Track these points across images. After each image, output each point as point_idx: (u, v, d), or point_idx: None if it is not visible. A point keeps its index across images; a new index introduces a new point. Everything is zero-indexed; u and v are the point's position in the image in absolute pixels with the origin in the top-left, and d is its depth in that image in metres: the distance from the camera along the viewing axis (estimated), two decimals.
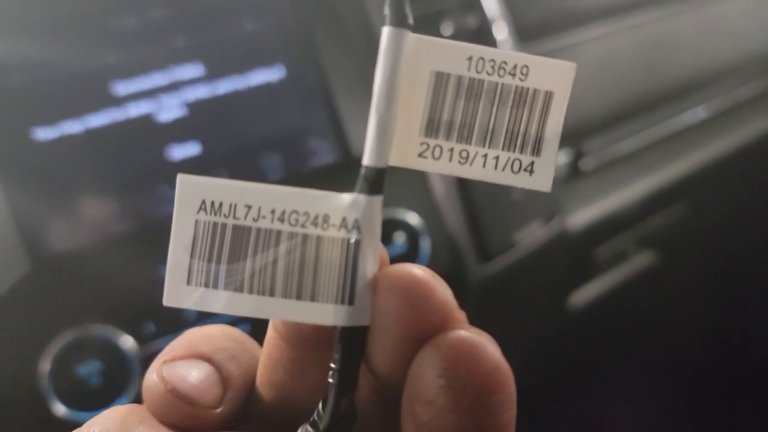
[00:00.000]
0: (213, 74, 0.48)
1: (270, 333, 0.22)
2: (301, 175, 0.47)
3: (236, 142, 0.49)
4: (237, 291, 0.19)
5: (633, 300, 0.72)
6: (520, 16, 0.58)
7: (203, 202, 0.19)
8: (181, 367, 0.22)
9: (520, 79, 0.19)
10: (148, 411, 0.22)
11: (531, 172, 0.20)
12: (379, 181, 0.19)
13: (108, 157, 0.45)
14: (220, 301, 0.19)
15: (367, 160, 0.19)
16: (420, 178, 0.50)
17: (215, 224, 0.19)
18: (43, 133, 0.43)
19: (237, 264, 0.19)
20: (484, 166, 0.20)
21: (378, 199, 0.19)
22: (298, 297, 0.19)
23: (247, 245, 0.19)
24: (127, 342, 0.41)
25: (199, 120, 0.48)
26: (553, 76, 0.19)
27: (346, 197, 0.19)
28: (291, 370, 0.22)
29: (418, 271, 0.19)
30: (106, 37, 0.46)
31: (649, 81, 0.70)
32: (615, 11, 0.68)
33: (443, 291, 0.19)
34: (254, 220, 0.19)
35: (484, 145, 0.20)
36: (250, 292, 0.19)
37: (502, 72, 0.19)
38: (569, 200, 0.61)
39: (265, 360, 0.22)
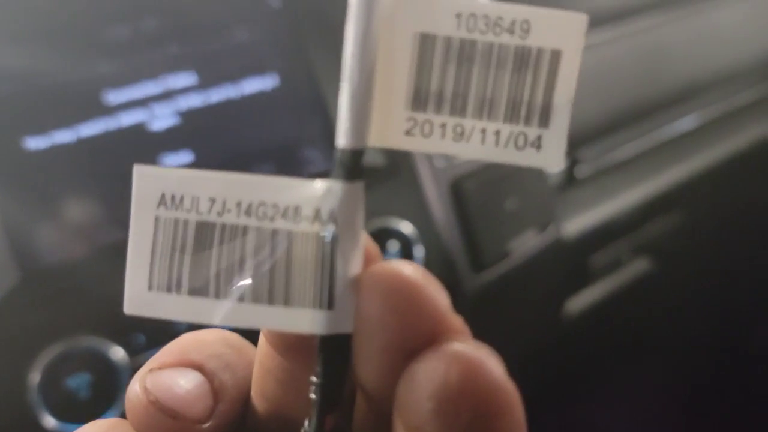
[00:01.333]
0: (206, 83, 0.47)
1: (262, 338, 0.19)
2: None
3: (229, 151, 0.48)
4: (203, 296, 0.17)
5: (629, 308, 0.69)
6: None
7: (163, 195, 0.17)
8: (168, 376, 0.20)
9: (521, 37, 0.16)
10: (131, 425, 0.20)
11: (539, 147, 0.17)
12: (357, 164, 0.16)
13: (100, 167, 0.44)
14: (184, 308, 0.17)
15: (341, 141, 0.16)
16: (413, 185, 0.48)
17: (176, 220, 0.17)
18: (35, 143, 0.43)
19: (201, 265, 0.17)
20: (483, 142, 0.17)
21: (357, 186, 0.16)
22: (270, 302, 0.17)
23: (212, 243, 0.17)
24: (117, 353, 0.40)
25: (192, 129, 0.47)
26: (560, 31, 0.16)
27: (319, 185, 0.16)
28: (283, 381, 0.19)
29: (407, 269, 0.16)
30: (99, 47, 0.45)
31: (645, 88, 0.68)
32: (609, 19, 0.66)
33: (436, 293, 0.16)
34: (219, 214, 0.17)
35: (481, 118, 0.17)
36: (217, 297, 0.17)
37: (498, 30, 0.16)
38: (564, 208, 0.59)
39: (258, 369, 0.20)
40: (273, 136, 0.49)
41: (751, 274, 0.84)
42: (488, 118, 0.17)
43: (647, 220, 0.67)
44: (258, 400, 0.20)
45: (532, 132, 0.17)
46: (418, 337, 0.15)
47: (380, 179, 0.47)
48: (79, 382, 0.38)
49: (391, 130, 0.17)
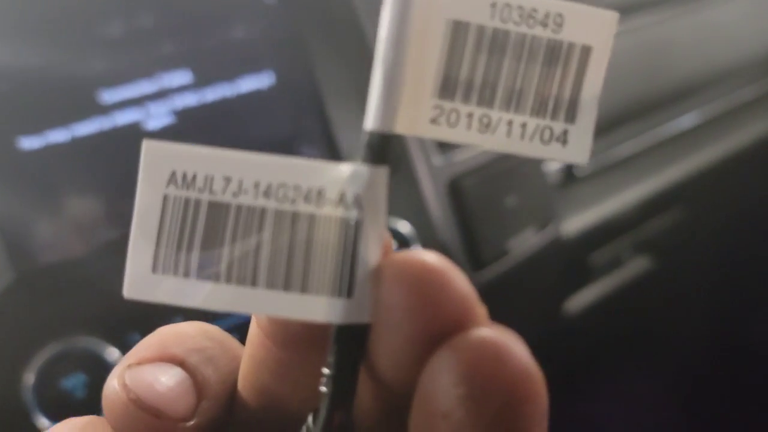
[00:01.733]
0: (201, 81, 0.47)
1: (253, 329, 0.18)
2: None
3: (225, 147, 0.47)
4: (213, 281, 0.16)
5: (629, 305, 0.70)
6: None
7: (173, 173, 0.16)
8: (148, 372, 0.18)
9: (553, 31, 0.16)
10: (108, 423, 0.18)
11: (564, 142, 0.17)
12: (384, 148, 0.16)
13: (95, 166, 0.44)
14: (192, 293, 0.16)
15: (371, 123, 0.16)
16: (410, 183, 0.48)
17: (187, 200, 0.16)
18: (29, 142, 0.42)
19: (213, 248, 0.16)
20: (508, 134, 0.17)
21: (383, 171, 0.16)
22: (286, 288, 0.16)
23: (226, 225, 0.16)
24: (113, 354, 0.39)
25: (188, 128, 0.46)
26: (591, 28, 0.16)
27: (345, 168, 0.16)
28: (279, 373, 0.18)
29: (431, 257, 0.16)
30: (93, 44, 0.44)
31: (645, 85, 0.68)
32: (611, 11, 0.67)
33: (461, 281, 0.15)
34: (234, 195, 0.16)
35: (509, 110, 0.17)
36: (229, 281, 0.16)
37: (531, 22, 0.16)
38: (564, 205, 0.59)
39: (249, 361, 0.19)
40: (269, 135, 0.48)
41: (753, 272, 0.84)
42: (515, 110, 0.17)
43: (648, 218, 0.67)
44: (248, 393, 0.19)
45: (559, 126, 0.17)
46: (444, 325, 0.15)
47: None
48: (74, 382, 0.38)
49: (418, 117, 0.16)
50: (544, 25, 0.16)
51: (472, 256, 0.49)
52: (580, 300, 0.64)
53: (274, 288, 0.16)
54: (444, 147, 0.49)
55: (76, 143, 0.43)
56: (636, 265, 0.69)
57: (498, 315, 0.55)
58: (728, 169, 0.73)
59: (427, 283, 0.15)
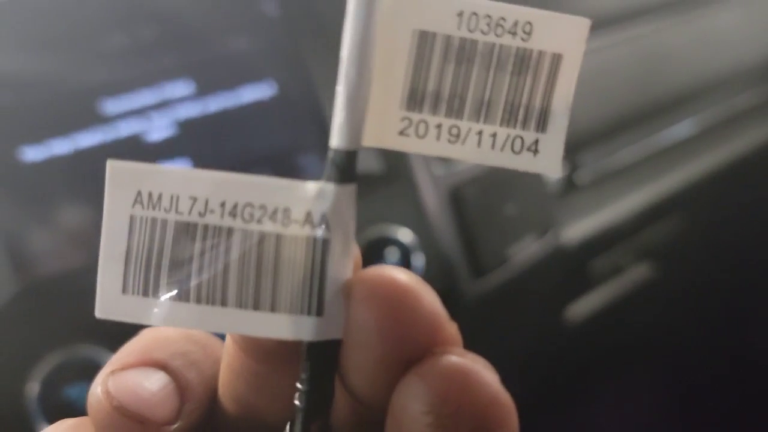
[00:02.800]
0: (203, 92, 0.47)
1: (228, 341, 0.18)
2: None
3: (227, 160, 0.47)
4: (181, 301, 0.16)
5: (630, 313, 0.70)
6: None
7: (139, 193, 0.16)
8: (131, 377, 0.18)
9: (522, 39, 0.16)
10: (94, 429, 0.19)
11: (535, 151, 0.16)
12: (350, 166, 0.16)
13: (97, 178, 0.44)
14: (161, 313, 0.16)
15: (336, 141, 0.16)
16: (411, 192, 0.48)
17: (154, 220, 0.16)
18: (32, 154, 0.42)
19: (181, 268, 0.16)
20: (479, 145, 0.16)
21: (350, 189, 0.16)
22: (255, 307, 0.16)
23: (193, 245, 0.16)
24: None
25: (190, 138, 0.46)
26: (562, 35, 0.16)
27: (311, 186, 0.16)
28: (255, 385, 0.18)
29: (401, 276, 0.15)
30: (96, 56, 0.44)
31: (644, 93, 0.68)
32: (608, 23, 0.66)
33: (431, 300, 0.15)
34: (200, 215, 0.16)
35: (478, 120, 0.16)
36: (198, 301, 0.16)
37: (500, 30, 0.16)
38: (563, 213, 0.59)
39: (226, 371, 0.19)
40: (271, 145, 0.48)
41: (753, 280, 0.84)
42: (485, 120, 0.16)
43: (648, 226, 0.68)
44: (227, 401, 0.19)
45: (530, 136, 0.16)
46: (414, 346, 0.15)
47: (378, 186, 0.47)
48: (78, 392, 0.37)
49: (386, 129, 0.16)
50: (513, 33, 0.16)
51: (472, 263, 0.49)
52: (581, 308, 0.64)
53: (244, 307, 0.16)
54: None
55: (79, 155, 0.43)
56: (636, 273, 0.69)
57: (498, 323, 0.56)
58: (728, 177, 0.73)
59: (396, 303, 0.15)
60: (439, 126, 0.16)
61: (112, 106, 0.44)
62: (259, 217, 0.16)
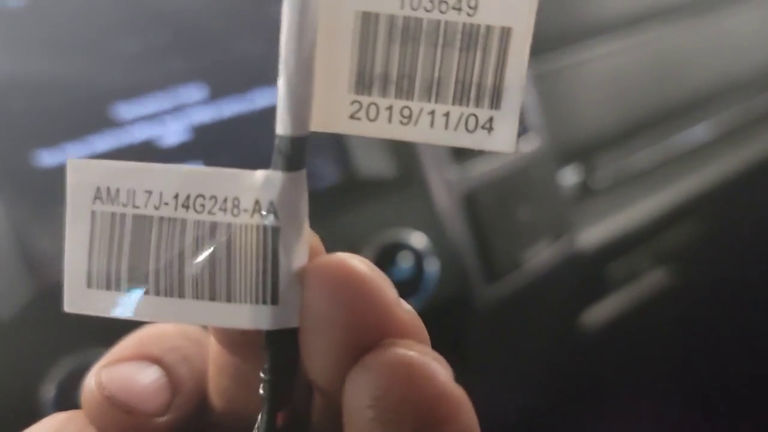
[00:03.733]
0: (217, 96, 0.47)
1: (212, 336, 0.19)
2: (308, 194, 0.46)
3: (241, 165, 0.48)
4: (143, 293, 0.16)
5: (647, 319, 0.68)
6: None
7: (98, 189, 0.16)
8: (124, 370, 0.19)
9: (468, 15, 0.15)
10: (87, 419, 0.19)
11: (490, 129, 0.16)
12: (298, 152, 0.15)
13: None
14: (124, 305, 0.16)
15: (279, 128, 0.15)
16: (426, 197, 0.47)
17: (113, 215, 0.16)
18: (48, 159, 0.42)
19: (140, 261, 0.16)
20: (431, 125, 0.16)
21: (299, 176, 0.16)
22: (212, 298, 0.16)
23: (150, 238, 0.16)
24: None
25: (204, 143, 0.46)
26: (509, 9, 0.15)
27: (258, 175, 0.16)
28: (235, 378, 0.19)
29: (353, 261, 0.15)
30: (110, 60, 0.45)
31: (660, 97, 0.67)
32: (624, 26, 0.65)
33: (383, 286, 0.15)
34: (156, 207, 0.16)
35: (429, 100, 0.16)
36: (157, 293, 0.16)
37: (444, 7, 0.15)
38: (579, 217, 0.58)
39: (211, 366, 0.20)
40: None
41: None
42: (437, 99, 0.16)
43: (665, 230, 0.66)
44: (213, 396, 0.20)
45: (483, 114, 0.16)
46: (365, 334, 0.15)
47: (391, 191, 0.47)
48: None
49: (335, 114, 0.16)
50: (458, 9, 0.15)
51: (486, 268, 0.49)
52: (597, 314, 0.63)
53: (201, 298, 0.16)
54: (459, 159, 0.48)
55: (94, 159, 0.44)
56: (653, 279, 0.67)
57: (513, 329, 0.55)
58: (746, 181, 0.71)
59: (347, 289, 0.15)
60: (390, 108, 0.16)
61: (126, 110, 0.44)
62: (210, 208, 0.16)
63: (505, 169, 0.50)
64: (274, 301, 0.16)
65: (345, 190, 0.47)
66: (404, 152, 0.47)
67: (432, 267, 0.46)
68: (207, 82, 0.47)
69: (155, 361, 0.19)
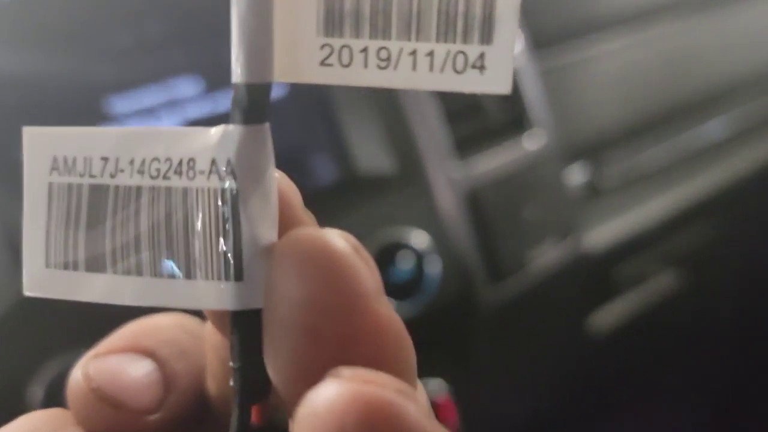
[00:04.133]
0: (213, 90, 0.46)
1: (208, 320, 0.17)
2: (306, 194, 0.45)
3: None
4: (100, 272, 0.15)
5: (656, 323, 0.65)
6: (537, 23, 0.54)
7: (55, 159, 0.15)
8: (114, 362, 0.17)
9: None
10: (71, 415, 0.18)
11: (482, 68, 0.13)
12: (257, 103, 0.14)
13: None
14: (82, 287, 0.15)
15: (235, 76, 0.13)
16: (428, 195, 0.46)
17: (70, 186, 0.15)
18: None
19: (97, 237, 0.15)
20: (414, 68, 0.14)
21: (260, 129, 0.14)
22: (171, 275, 0.14)
23: (106, 210, 0.14)
24: None
25: None
26: None
27: (214, 131, 0.14)
28: (225, 360, 0.17)
29: (333, 239, 0.13)
30: (104, 54, 0.44)
31: (671, 94, 0.65)
32: (633, 21, 0.63)
33: (362, 272, 0.13)
34: (111, 176, 0.14)
35: (410, 38, 0.14)
36: (115, 273, 0.14)
37: None
38: (585, 217, 0.56)
39: (209, 352, 0.18)
40: (281, 144, 0.48)
41: None
42: (418, 37, 0.13)
43: (675, 232, 0.64)
44: (211, 386, 0.18)
45: (473, 50, 0.13)
46: (331, 322, 0.13)
47: (392, 189, 0.45)
48: None
49: (303, 60, 0.14)
50: None
51: (490, 268, 0.47)
52: (605, 317, 0.60)
53: (158, 276, 0.14)
54: (462, 155, 0.47)
55: None
56: (662, 281, 0.64)
57: (518, 330, 0.52)
58: (759, 182, 0.68)
59: (314, 264, 0.13)
60: (365, 50, 0.14)
61: (120, 104, 0.44)
62: (165, 172, 0.14)
63: (511, 167, 0.49)
64: (238, 277, 0.14)
65: (344, 187, 0.45)
66: (405, 148, 0.46)
67: (434, 267, 0.44)
68: (202, 76, 0.46)
69: (148, 354, 0.18)
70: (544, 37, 0.55)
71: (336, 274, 0.13)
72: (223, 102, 0.46)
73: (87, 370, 0.17)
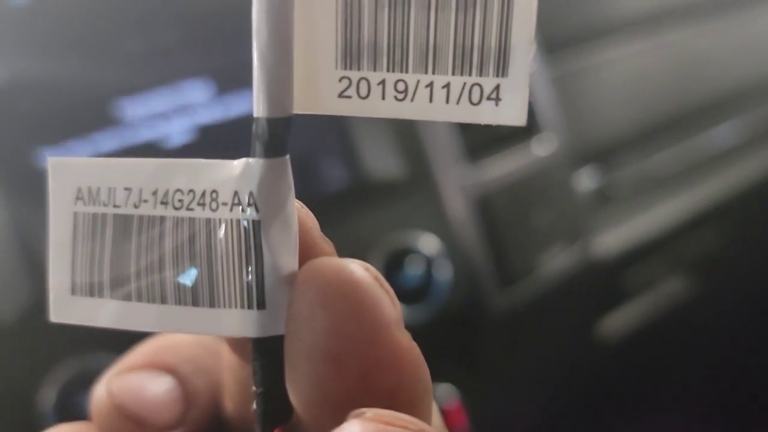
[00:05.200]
0: (223, 95, 0.46)
1: (225, 343, 0.17)
2: (315, 199, 0.45)
3: None
4: (125, 300, 0.15)
5: (666, 329, 0.64)
6: (547, 28, 0.54)
7: (80, 189, 0.15)
8: (136, 379, 0.18)
9: None
10: (95, 429, 0.18)
11: (497, 100, 0.14)
12: (277, 137, 0.14)
13: None
14: (107, 313, 0.15)
15: (257, 110, 0.14)
16: (438, 201, 0.46)
17: (95, 216, 0.15)
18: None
19: (122, 265, 0.15)
20: (430, 99, 0.14)
21: (279, 163, 0.14)
22: (195, 303, 0.14)
23: (131, 240, 0.15)
24: None
25: (209, 144, 0.45)
26: None
27: (236, 164, 0.14)
28: (243, 381, 0.17)
29: (354, 268, 0.13)
30: (115, 59, 0.44)
31: (681, 99, 0.65)
32: (643, 25, 0.63)
33: (383, 301, 0.13)
34: (135, 206, 0.15)
35: (426, 71, 0.14)
36: (139, 299, 0.15)
37: None
38: (595, 222, 0.56)
39: (226, 373, 0.18)
40: (291, 150, 0.48)
41: None
42: (434, 70, 0.14)
43: (684, 237, 0.64)
44: (229, 406, 0.18)
45: (488, 82, 0.14)
46: (351, 350, 0.13)
47: (402, 195, 0.45)
48: None
49: (322, 93, 0.14)
50: None
51: (500, 272, 0.47)
52: (614, 323, 0.60)
53: (183, 304, 0.14)
54: (472, 161, 0.47)
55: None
56: (672, 287, 0.64)
57: (527, 337, 0.52)
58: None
59: (335, 292, 0.13)
60: (382, 82, 0.14)
61: (131, 109, 0.44)
62: (188, 203, 0.14)
63: (521, 172, 0.49)
64: (261, 305, 0.14)
65: (354, 192, 0.45)
66: (415, 153, 0.46)
67: (443, 272, 0.44)
68: (213, 81, 0.46)
69: (169, 371, 0.18)
70: (554, 42, 0.55)
71: (359, 304, 0.13)
72: (234, 106, 0.46)
73: (110, 387, 0.18)
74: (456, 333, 0.46)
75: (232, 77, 0.46)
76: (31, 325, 0.38)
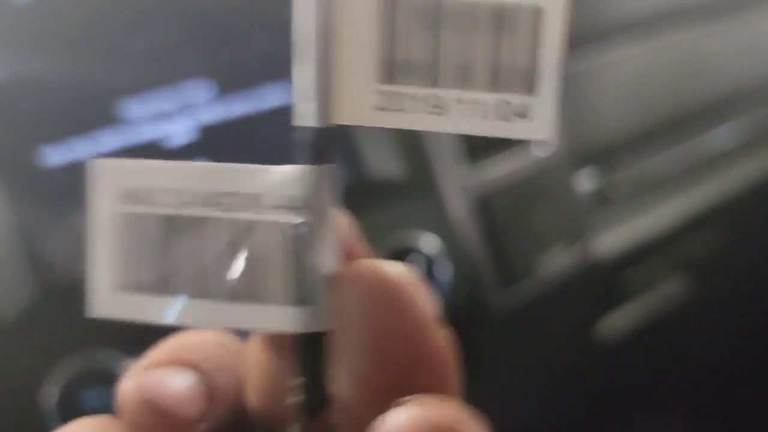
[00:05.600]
0: (226, 95, 0.46)
1: (256, 341, 0.18)
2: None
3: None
4: (170, 295, 0.16)
5: (666, 331, 0.65)
6: None
7: (122, 189, 0.16)
8: (163, 374, 0.19)
9: None
10: (122, 423, 0.19)
11: (525, 116, 0.15)
12: (323, 145, 0.15)
13: None
14: (151, 309, 0.16)
15: (299, 120, 0.15)
16: (439, 201, 0.46)
17: (138, 215, 0.16)
18: (53, 157, 0.42)
19: (166, 263, 0.16)
20: (462, 114, 0.15)
21: (326, 169, 0.15)
22: (240, 299, 0.15)
23: (175, 239, 0.16)
24: None
25: (211, 143, 0.46)
26: None
27: (280, 170, 0.15)
28: (273, 376, 0.18)
29: (395, 268, 0.15)
30: (117, 58, 0.44)
31: (681, 101, 0.65)
32: (643, 28, 0.63)
33: (420, 298, 0.14)
34: (180, 207, 0.16)
35: (458, 87, 0.15)
36: (187, 296, 0.16)
37: None
38: (595, 223, 0.56)
39: (253, 368, 0.19)
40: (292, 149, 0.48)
41: None
42: (466, 86, 0.15)
43: (684, 238, 0.64)
44: (250, 395, 0.19)
45: (518, 100, 0.15)
46: (393, 343, 0.14)
47: (403, 194, 0.46)
48: (97, 397, 0.37)
49: (360, 106, 0.15)
50: None
51: (501, 272, 0.48)
52: (613, 323, 0.61)
53: (229, 300, 0.15)
54: (473, 161, 0.47)
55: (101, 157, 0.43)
56: (672, 288, 0.65)
57: (527, 337, 0.52)
58: None
59: (381, 293, 0.14)
60: (415, 97, 0.15)
61: (133, 108, 0.44)
62: (235, 206, 0.15)
63: (521, 172, 0.49)
64: (305, 302, 0.15)
65: (354, 192, 0.45)
66: (416, 153, 0.46)
67: (444, 272, 0.45)
68: (216, 80, 0.46)
69: (193, 367, 0.19)
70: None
71: (403, 302, 0.14)
72: (236, 106, 0.46)
73: (138, 381, 0.18)
74: (456, 332, 0.47)
75: (235, 77, 0.46)
76: (33, 323, 0.38)
